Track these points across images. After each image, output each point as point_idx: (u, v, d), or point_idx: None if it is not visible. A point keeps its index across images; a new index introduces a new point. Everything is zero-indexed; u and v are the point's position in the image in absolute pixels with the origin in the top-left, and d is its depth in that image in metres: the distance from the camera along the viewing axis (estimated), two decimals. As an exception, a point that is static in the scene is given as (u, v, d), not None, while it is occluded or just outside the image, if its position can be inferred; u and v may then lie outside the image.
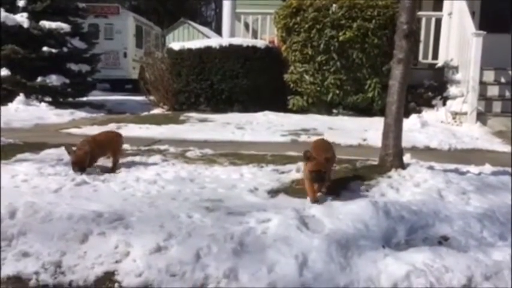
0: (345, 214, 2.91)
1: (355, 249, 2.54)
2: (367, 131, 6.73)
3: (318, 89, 8.39)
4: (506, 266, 2.42)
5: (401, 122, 3.90)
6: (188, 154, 4.75)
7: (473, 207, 3.11)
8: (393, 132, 3.85)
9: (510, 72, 8.11)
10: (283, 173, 4.05)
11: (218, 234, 2.67)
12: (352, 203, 3.09)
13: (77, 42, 10.69)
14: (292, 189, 3.57)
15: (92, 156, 3.88)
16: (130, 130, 6.66)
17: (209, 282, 2.34)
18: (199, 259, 2.47)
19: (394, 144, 3.87)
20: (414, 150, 5.55)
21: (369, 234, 2.72)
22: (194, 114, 8.32)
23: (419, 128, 6.96)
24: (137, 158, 4.45)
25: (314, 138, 6.40)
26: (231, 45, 8.79)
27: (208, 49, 8.87)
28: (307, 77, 8.41)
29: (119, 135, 4.32)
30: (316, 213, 2.98)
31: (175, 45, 9.41)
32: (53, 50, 10.08)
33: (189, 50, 8.98)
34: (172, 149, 4.98)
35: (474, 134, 6.82)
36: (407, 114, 7.48)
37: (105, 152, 4.08)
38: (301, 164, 4.28)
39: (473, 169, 4.23)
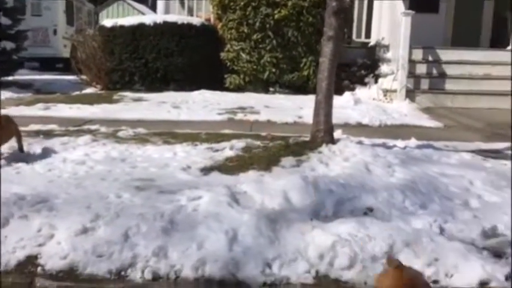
0: (275, 189, 2.96)
1: (284, 223, 2.59)
2: (303, 108, 6.82)
3: (255, 67, 8.39)
4: (425, 233, 2.55)
5: (331, 99, 3.98)
6: (120, 134, 4.63)
7: (397, 179, 3.25)
8: (324, 109, 3.93)
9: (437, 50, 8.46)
10: (217, 151, 4.05)
11: (148, 213, 2.63)
12: (283, 178, 3.14)
13: (0, 18, 10.02)
14: (226, 167, 3.58)
15: None
16: (59, 110, 6.39)
17: (138, 261, 2.31)
18: (128, 239, 2.43)
19: (324, 120, 3.95)
20: (347, 126, 5.70)
21: (298, 208, 2.79)
22: (128, 94, 8.09)
23: (353, 105, 7.15)
24: (65, 139, 4.28)
25: (250, 116, 6.51)
26: (165, 23, 8.57)
27: (141, 26, 8.61)
28: (243, 55, 8.38)
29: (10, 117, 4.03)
30: (247, 190, 3.01)
31: (108, 22, 9.06)
32: (-26, 26, 9.42)
33: (122, 27, 8.67)
34: (103, 129, 4.83)
35: (403, 111, 7.09)
36: (341, 92, 7.68)
37: (11, 135, 3.79)
38: (235, 142, 4.30)
39: (400, 143, 4.41)
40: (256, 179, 3.20)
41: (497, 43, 9.68)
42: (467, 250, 2.41)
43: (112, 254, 2.34)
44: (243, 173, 3.38)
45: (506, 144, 4.83)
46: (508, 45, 8.89)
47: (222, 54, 8.59)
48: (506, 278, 2.26)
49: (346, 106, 7.01)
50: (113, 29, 8.74)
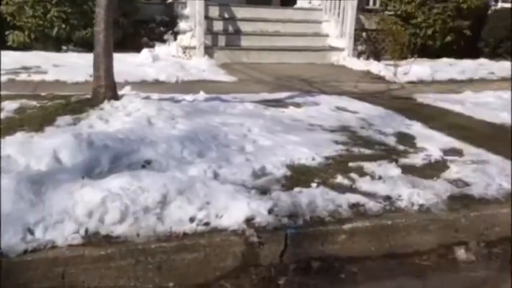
0: (44, 149, 2.71)
1: (51, 184, 2.39)
2: (97, 66, 6.45)
3: (41, 22, 7.54)
4: (199, 180, 2.61)
5: (111, 52, 3.77)
6: None
7: (179, 131, 3.27)
8: (104, 63, 3.71)
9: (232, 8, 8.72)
10: (-18, 114, 3.56)
11: None
12: (55, 137, 2.90)
13: None
14: (-9, 132, 3.17)
15: None
16: None
17: None
18: None
19: (105, 75, 3.75)
20: (143, 84, 5.61)
21: (69, 167, 2.61)
22: None
23: (151, 63, 7.00)
24: None
25: (36, 76, 5.91)
26: None
27: None
28: (26, 9, 7.47)
29: None
30: (11, 153, 2.70)
31: None
32: None
33: None
34: None
35: (202, 67, 7.20)
36: (139, 49, 7.46)
37: None
38: (7, 103, 3.82)
39: (189, 97, 4.46)
40: (24, 141, 2.89)
41: (287, 2, 10.41)
42: (236, 191, 2.54)
43: None
44: (9, 136, 3.02)
45: (287, 94, 5.27)
46: (295, 4, 9.64)
47: (1, 8, 7.54)
48: (269, 212, 2.45)
49: (144, 64, 6.87)
50: None
